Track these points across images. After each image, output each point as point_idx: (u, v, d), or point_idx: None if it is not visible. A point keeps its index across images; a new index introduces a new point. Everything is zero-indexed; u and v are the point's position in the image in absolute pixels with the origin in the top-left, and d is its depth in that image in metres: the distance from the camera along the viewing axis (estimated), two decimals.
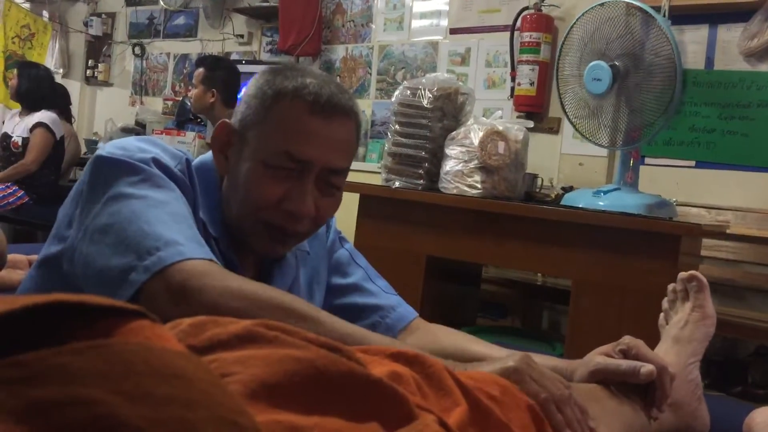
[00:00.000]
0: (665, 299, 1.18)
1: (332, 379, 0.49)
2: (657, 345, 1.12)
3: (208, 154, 1.03)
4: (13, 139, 3.99)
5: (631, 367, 0.95)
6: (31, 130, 3.93)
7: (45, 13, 5.40)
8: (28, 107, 4.02)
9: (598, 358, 0.99)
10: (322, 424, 0.44)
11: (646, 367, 0.94)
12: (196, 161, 1.02)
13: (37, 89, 4.02)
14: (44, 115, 3.95)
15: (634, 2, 2.11)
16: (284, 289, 1.07)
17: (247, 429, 0.35)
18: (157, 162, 0.91)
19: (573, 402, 0.82)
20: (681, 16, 2.95)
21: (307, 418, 0.45)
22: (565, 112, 2.30)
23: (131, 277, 0.80)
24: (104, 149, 0.93)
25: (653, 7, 2.90)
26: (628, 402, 0.96)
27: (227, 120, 1.00)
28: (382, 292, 1.19)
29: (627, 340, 0.99)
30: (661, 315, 1.18)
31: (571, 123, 2.31)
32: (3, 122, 4.38)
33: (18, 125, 4.03)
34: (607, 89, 2.13)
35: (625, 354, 0.98)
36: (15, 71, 4.15)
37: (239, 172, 0.96)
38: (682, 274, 1.14)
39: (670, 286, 1.17)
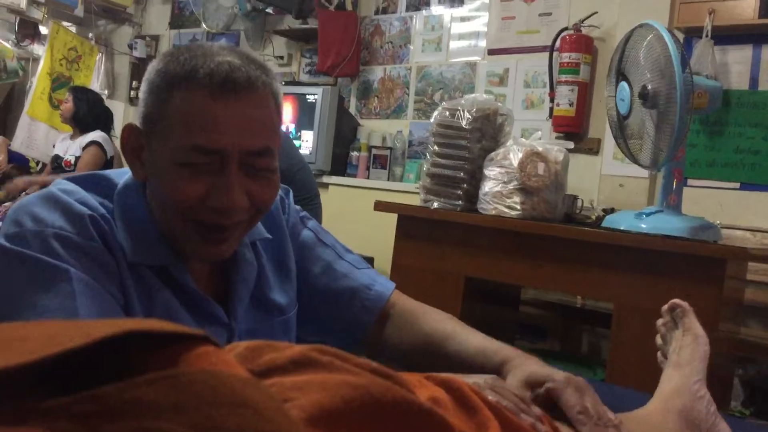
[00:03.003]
0: (657, 336, 1.22)
1: (386, 407, 0.49)
2: (661, 375, 1.15)
3: (130, 174, 0.94)
4: (65, 158, 4.08)
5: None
6: (84, 148, 4.02)
7: (91, 36, 5.55)
8: (82, 130, 4.11)
9: (534, 367, 0.94)
10: None
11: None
12: (119, 187, 0.93)
13: (92, 113, 4.13)
14: (97, 135, 4.06)
15: (652, 24, 2.08)
16: (249, 290, 1.00)
17: None
18: (58, 238, 0.83)
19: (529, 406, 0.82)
20: (724, 37, 2.91)
21: None
22: (622, 133, 2.25)
23: None
24: (4, 230, 0.85)
25: (696, 28, 2.90)
26: None
27: (132, 122, 0.92)
28: (354, 270, 1.14)
29: (559, 377, 0.92)
30: (658, 353, 1.21)
31: (621, 144, 2.27)
32: (53, 146, 4.47)
33: (71, 147, 4.13)
34: (628, 110, 2.12)
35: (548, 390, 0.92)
36: (68, 95, 4.19)
37: (156, 176, 0.89)
38: (665, 306, 1.19)
39: (659, 322, 1.21)
